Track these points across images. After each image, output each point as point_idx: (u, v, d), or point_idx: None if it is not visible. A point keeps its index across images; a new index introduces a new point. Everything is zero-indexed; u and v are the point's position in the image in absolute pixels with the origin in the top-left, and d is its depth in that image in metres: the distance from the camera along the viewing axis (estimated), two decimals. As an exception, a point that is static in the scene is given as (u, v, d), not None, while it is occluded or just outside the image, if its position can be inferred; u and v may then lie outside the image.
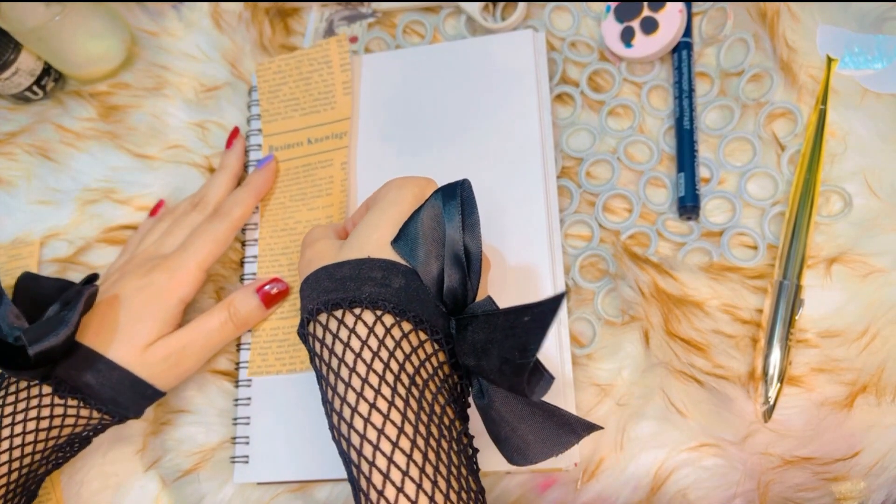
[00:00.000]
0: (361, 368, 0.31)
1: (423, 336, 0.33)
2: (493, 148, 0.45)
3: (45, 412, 0.39)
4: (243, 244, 0.49)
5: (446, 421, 0.32)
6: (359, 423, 0.30)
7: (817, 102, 0.44)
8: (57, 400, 0.39)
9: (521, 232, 0.43)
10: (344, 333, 0.32)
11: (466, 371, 0.34)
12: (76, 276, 0.51)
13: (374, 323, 0.32)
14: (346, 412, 0.31)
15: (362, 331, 0.32)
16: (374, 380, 0.31)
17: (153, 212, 0.51)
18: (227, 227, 0.45)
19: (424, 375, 0.32)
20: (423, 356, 0.32)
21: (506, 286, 0.42)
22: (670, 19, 0.45)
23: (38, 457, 0.39)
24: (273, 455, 0.43)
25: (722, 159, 0.45)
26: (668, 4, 0.46)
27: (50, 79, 0.55)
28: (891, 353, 0.40)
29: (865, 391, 0.39)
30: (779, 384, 0.39)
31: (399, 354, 0.32)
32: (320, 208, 0.47)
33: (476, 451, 0.33)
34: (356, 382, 0.31)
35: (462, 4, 0.50)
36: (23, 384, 0.39)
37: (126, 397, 0.41)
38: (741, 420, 0.40)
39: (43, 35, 0.49)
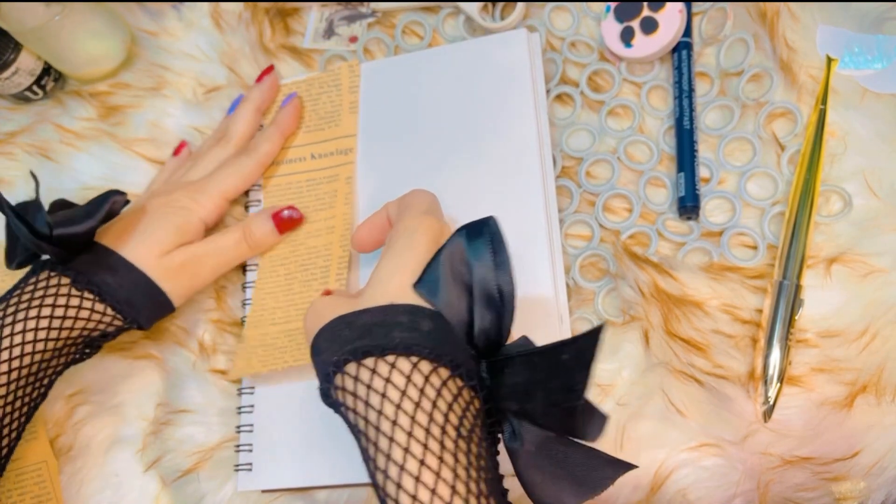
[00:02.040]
0: (404, 421, 0.29)
1: (459, 382, 0.31)
2: (491, 149, 0.45)
3: (62, 301, 0.40)
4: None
5: (492, 473, 0.30)
6: (409, 483, 0.28)
7: (817, 102, 0.44)
8: (74, 291, 0.40)
9: (521, 232, 0.43)
10: (379, 384, 0.30)
11: (498, 415, 0.32)
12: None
13: (412, 371, 0.30)
14: (393, 471, 0.28)
15: (399, 380, 0.30)
16: (419, 434, 0.28)
17: (176, 151, 0.51)
18: (254, 163, 0.47)
19: (468, 425, 0.30)
20: (463, 404, 0.30)
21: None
22: (670, 19, 0.45)
23: (50, 345, 0.40)
24: (276, 462, 0.43)
25: (722, 159, 0.45)
26: (668, 4, 0.46)
27: (50, 79, 0.55)
28: (891, 353, 0.40)
29: (865, 391, 0.39)
30: (778, 384, 0.39)
31: (442, 404, 0.29)
32: (322, 221, 0.47)
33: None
34: (401, 437, 0.28)
35: (461, 4, 0.50)
36: (43, 275, 0.40)
37: (140, 300, 0.42)
38: (741, 420, 0.40)
39: (43, 35, 0.49)
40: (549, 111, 0.47)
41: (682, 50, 0.46)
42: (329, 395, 0.32)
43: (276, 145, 0.48)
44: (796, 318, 0.40)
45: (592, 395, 0.42)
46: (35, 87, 0.54)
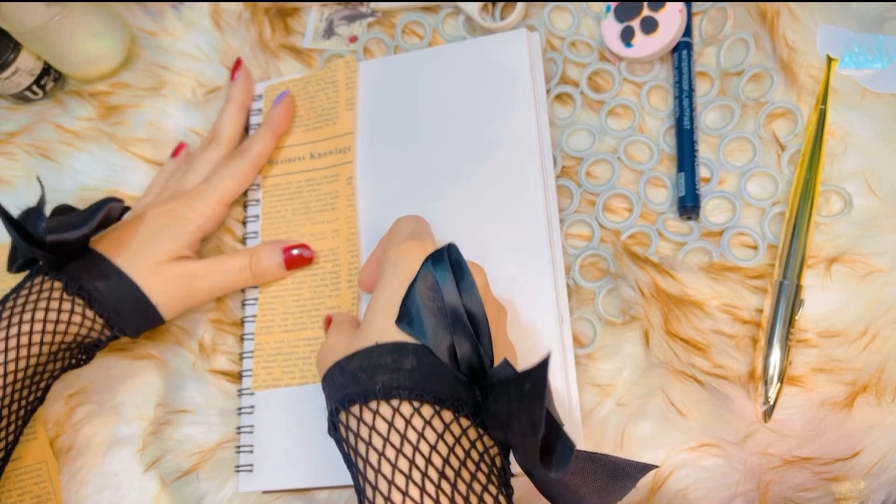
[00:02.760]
0: (387, 469, 0.29)
1: (447, 416, 0.30)
2: (491, 149, 0.45)
3: (54, 305, 0.40)
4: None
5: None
6: None
7: (817, 102, 0.44)
8: (65, 296, 0.40)
9: (521, 232, 0.43)
10: (365, 432, 0.30)
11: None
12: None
13: (393, 415, 0.30)
14: None
15: (381, 426, 0.30)
16: (400, 480, 0.29)
17: (175, 153, 0.51)
18: (248, 164, 0.47)
19: (456, 461, 0.30)
20: (452, 439, 0.30)
21: (507, 288, 0.42)
22: (670, 19, 0.45)
23: (45, 349, 0.40)
24: (277, 463, 0.43)
25: (722, 159, 0.45)
26: (668, 4, 0.46)
27: (50, 78, 0.55)
28: (891, 353, 0.40)
29: (865, 391, 0.39)
30: (779, 384, 0.39)
31: (423, 446, 0.29)
32: (325, 222, 0.47)
33: None
34: (383, 485, 0.29)
35: (461, 4, 0.50)
36: (37, 280, 0.41)
37: (128, 310, 0.42)
38: (741, 420, 0.40)
39: (43, 35, 0.49)
40: (549, 111, 0.47)
41: (682, 50, 0.46)
42: (338, 442, 0.33)
43: (268, 145, 0.48)
44: (796, 318, 0.40)
45: (592, 395, 0.42)
46: (35, 87, 0.54)
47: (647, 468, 0.31)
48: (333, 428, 0.33)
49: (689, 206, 0.43)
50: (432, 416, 0.30)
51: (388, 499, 0.28)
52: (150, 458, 0.46)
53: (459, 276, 0.32)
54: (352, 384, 0.31)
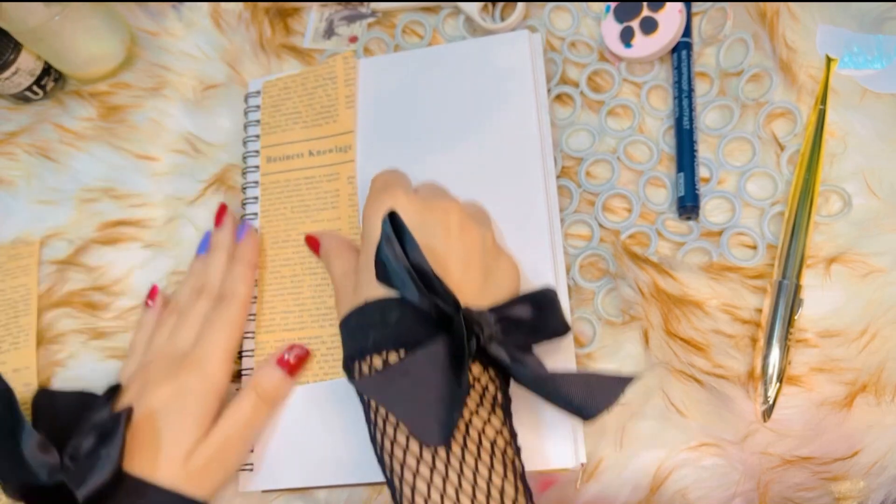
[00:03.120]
0: (381, 416, 0.34)
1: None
2: (493, 149, 0.45)
3: None
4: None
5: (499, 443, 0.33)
6: (408, 475, 0.32)
7: (817, 102, 0.44)
8: None
9: (523, 232, 0.43)
10: None
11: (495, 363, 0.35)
12: (75, 276, 0.51)
13: (383, 366, 0.34)
14: (387, 461, 0.33)
15: None
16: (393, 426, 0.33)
17: (150, 296, 0.47)
18: (237, 309, 0.44)
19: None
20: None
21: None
22: (670, 19, 0.45)
23: None
24: (277, 462, 0.43)
25: (721, 159, 0.45)
26: (668, 4, 0.46)
27: (50, 79, 0.55)
28: (890, 353, 0.40)
29: (865, 391, 0.39)
30: (778, 384, 0.39)
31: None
32: (326, 221, 0.47)
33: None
34: (389, 430, 0.33)
35: (461, 4, 0.50)
36: None
37: None
38: (741, 420, 0.40)
39: (43, 35, 0.49)
40: (549, 111, 0.47)
41: (681, 50, 0.46)
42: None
43: (251, 285, 0.45)
44: (796, 317, 0.40)
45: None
46: (35, 87, 0.54)
47: (626, 380, 0.34)
48: (349, 376, 0.37)
49: (688, 206, 0.43)
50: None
51: (394, 441, 0.33)
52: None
53: (402, 238, 0.35)
54: (350, 342, 0.37)
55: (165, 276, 0.50)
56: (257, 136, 0.51)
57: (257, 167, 0.50)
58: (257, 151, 0.50)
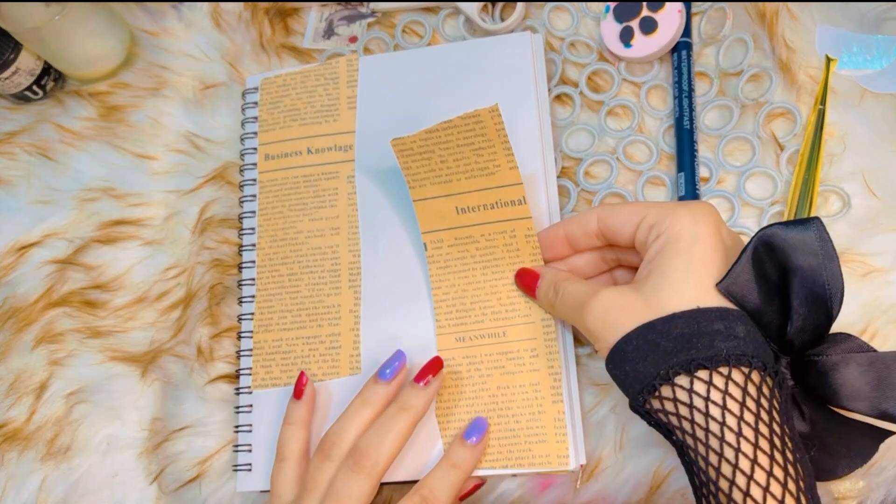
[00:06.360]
0: (749, 433, 0.29)
1: (769, 384, 0.31)
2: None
3: None
4: (240, 249, 0.49)
5: (806, 470, 0.31)
6: (738, 496, 0.29)
7: (816, 102, 0.44)
8: None
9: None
10: (717, 396, 0.30)
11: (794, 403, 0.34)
12: (74, 275, 0.51)
13: (745, 382, 0.30)
14: (724, 484, 0.29)
15: (736, 392, 0.30)
16: (747, 448, 0.29)
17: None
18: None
19: (777, 426, 0.30)
20: (778, 406, 0.31)
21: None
22: (669, 19, 0.46)
23: None
24: None
25: (721, 159, 0.45)
26: (668, 4, 0.46)
27: (50, 78, 0.55)
28: (890, 352, 0.40)
29: (864, 391, 0.39)
30: (778, 383, 0.39)
31: (764, 415, 0.30)
32: (324, 219, 0.47)
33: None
34: (748, 449, 0.29)
35: (460, 5, 0.50)
36: None
37: None
38: (741, 419, 0.40)
39: (43, 35, 0.50)
40: (549, 112, 0.47)
41: (681, 50, 0.46)
42: (642, 405, 0.32)
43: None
44: (795, 317, 0.40)
45: (592, 395, 0.42)
46: (35, 87, 0.54)
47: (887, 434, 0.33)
48: (648, 393, 0.32)
49: (688, 205, 0.43)
50: (762, 384, 0.31)
51: (735, 466, 0.29)
52: (150, 459, 0.46)
53: (825, 242, 0.32)
54: (690, 349, 0.31)
55: (161, 273, 0.50)
56: (255, 133, 0.51)
57: (255, 164, 0.50)
58: (255, 149, 0.50)
